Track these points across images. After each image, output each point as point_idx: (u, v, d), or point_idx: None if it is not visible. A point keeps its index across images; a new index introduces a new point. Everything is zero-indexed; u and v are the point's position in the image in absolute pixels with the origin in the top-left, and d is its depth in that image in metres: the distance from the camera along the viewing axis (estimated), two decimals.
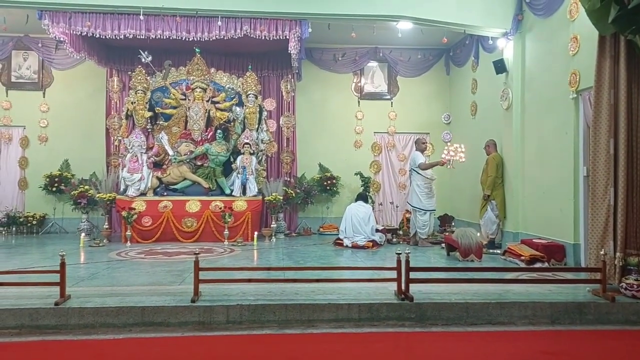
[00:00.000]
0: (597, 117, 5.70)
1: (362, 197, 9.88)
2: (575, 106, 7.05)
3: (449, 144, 9.29)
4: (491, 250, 8.39)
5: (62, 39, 8.99)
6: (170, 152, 10.14)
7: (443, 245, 8.62)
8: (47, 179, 10.91)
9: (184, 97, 10.48)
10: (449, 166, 9.17)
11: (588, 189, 6.00)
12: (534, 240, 7.60)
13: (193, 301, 4.89)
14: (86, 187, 10.41)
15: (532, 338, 4.66)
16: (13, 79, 11.27)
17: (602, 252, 5.27)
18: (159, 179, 10.05)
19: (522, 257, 7.14)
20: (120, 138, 10.57)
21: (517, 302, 5.07)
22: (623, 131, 5.46)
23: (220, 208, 9.55)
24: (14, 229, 10.69)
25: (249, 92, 10.37)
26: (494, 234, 8.76)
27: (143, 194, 9.79)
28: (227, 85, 10.66)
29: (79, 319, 4.68)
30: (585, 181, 6.70)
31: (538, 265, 6.95)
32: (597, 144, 5.69)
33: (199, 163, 10.30)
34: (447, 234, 9.12)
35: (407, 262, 5.17)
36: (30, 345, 4.35)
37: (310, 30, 8.64)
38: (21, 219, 10.73)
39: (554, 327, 4.93)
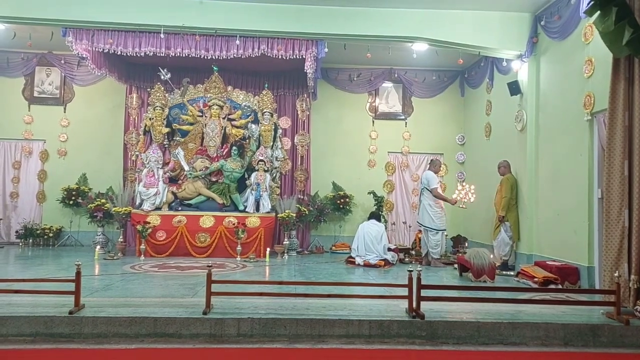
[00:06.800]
0: (612, 139, 5.70)
1: (375, 215, 9.89)
2: (589, 128, 7.05)
3: (459, 185, 9.46)
4: (504, 272, 8.31)
5: (84, 56, 9.24)
6: (186, 168, 10.29)
7: (455, 265, 8.56)
8: (65, 192, 11.10)
9: (201, 114, 10.66)
10: (461, 206, 9.45)
11: (602, 211, 5.97)
12: (547, 262, 7.51)
13: (205, 313, 4.92)
14: (102, 200, 10.56)
15: (544, 359, 4.61)
16: (35, 94, 11.56)
17: (616, 275, 5.21)
18: (174, 194, 10.18)
19: (536, 279, 7.08)
20: (137, 153, 10.77)
21: (529, 323, 5.01)
22: (637, 153, 5.44)
23: (234, 224, 9.61)
24: (30, 240, 10.82)
25: (265, 110, 10.50)
26: (507, 255, 8.68)
27: (158, 208, 9.90)
28: (244, 103, 10.83)
29: (92, 328, 4.74)
30: (600, 203, 6.66)
31: (552, 287, 6.88)
32: (612, 165, 5.67)
33: (213, 179, 10.43)
34: (460, 254, 9.07)
35: (419, 279, 5.15)
36: (44, 353, 4.41)
37: (326, 50, 8.80)
38: (38, 231, 10.89)
39: (567, 348, 4.86)
